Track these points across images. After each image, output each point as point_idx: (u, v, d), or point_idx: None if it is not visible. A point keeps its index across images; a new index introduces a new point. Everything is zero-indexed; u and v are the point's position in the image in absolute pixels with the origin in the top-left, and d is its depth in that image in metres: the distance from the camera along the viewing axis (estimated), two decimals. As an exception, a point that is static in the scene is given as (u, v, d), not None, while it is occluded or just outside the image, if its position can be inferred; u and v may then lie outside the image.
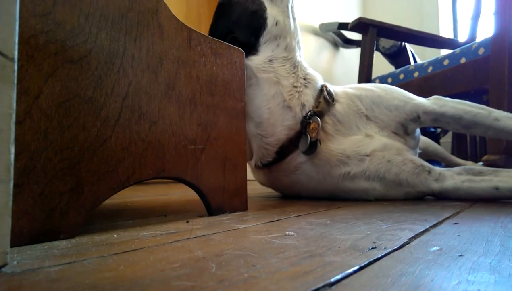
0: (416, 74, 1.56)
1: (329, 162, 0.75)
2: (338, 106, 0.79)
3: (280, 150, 0.77)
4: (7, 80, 0.28)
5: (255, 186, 1.27)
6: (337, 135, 0.76)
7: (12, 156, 0.28)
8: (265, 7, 0.80)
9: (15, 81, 0.29)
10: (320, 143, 0.74)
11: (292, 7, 0.84)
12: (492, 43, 1.23)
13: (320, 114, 0.75)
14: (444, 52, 2.20)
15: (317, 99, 0.78)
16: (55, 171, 0.35)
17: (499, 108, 1.12)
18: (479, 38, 1.91)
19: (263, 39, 0.78)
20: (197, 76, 0.51)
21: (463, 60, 1.36)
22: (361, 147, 0.75)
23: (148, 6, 0.45)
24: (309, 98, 0.77)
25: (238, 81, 0.59)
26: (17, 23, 0.30)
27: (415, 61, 2.15)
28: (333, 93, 0.80)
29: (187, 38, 0.50)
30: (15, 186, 0.32)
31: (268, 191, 1.08)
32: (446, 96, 1.44)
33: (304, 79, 0.80)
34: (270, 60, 0.78)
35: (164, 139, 0.46)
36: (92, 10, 0.39)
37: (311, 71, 0.83)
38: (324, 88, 0.79)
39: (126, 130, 0.42)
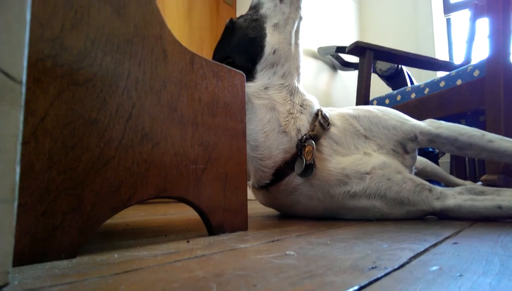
0: (413, 95, 1.58)
1: (328, 182, 0.75)
2: (333, 129, 0.80)
3: (277, 172, 0.77)
4: (15, 103, 0.29)
5: (255, 206, 1.27)
6: (336, 155, 0.77)
7: (18, 176, 0.29)
8: (265, 34, 0.81)
9: (23, 104, 0.30)
10: (315, 166, 0.74)
11: (296, 32, 0.85)
12: (487, 66, 1.25)
13: (316, 138, 0.76)
14: (440, 74, 2.23)
15: (312, 123, 0.79)
16: (58, 190, 0.36)
17: (495, 129, 1.14)
18: (474, 60, 1.95)
19: (259, 66, 0.79)
20: (199, 98, 0.52)
21: (459, 82, 1.39)
22: (360, 165, 0.75)
23: (153, 32, 0.46)
24: (304, 123, 0.78)
25: (239, 103, 0.60)
26: (26, 48, 0.31)
27: (411, 83, 2.18)
28: (329, 117, 0.81)
29: (189, 62, 0.51)
30: (18, 205, 0.32)
31: (268, 210, 1.08)
32: (443, 117, 1.47)
33: (301, 105, 0.81)
34: (266, 88, 0.79)
35: (166, 159, 0.47)
36: (98, 36, 0.40)
37: (308, 97, 0.84)
38: (320, 113, 0.80)
39: (129, 151, 0.42)
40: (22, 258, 0.33)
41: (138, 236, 0.55)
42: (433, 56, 2.56)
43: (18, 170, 0.30)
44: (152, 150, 0.45)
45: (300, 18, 0.86)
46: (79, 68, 0.38)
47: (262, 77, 0.79)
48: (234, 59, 0.80)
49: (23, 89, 0.31)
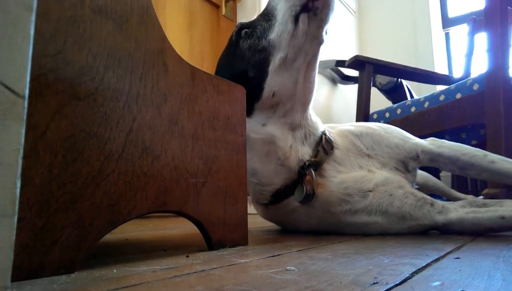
0: (413, 109, 1.59)
1: (329, 202, 0.74)
2: (337, 152, 0.78)
3: (276, 194, 0.76)
4: (17, 117, 0.29)
5: (255, 220, 1.26)
6: (339, 175, 0.75)
7: (18, 190, 0.29)
8: (266, 74, 0.70)
9: (25, 118, 0.30)
10: (315, 194, 0.72)
11: (310, 64, 0.74)
12: (486, 79, 1.26)
13: (319, 164, 0.74)
14: (440, 88, 2.25)
15: (315, 149, 0.76)
16: (57, 204, 0.36)
17: (496, 142, 1.14)
18: (473, 74, 1.96)
19: (256, 105, 0.72)
20: (200, 112, 0.53)
21: (458, 96, 1.39)
22: (364, 183, 0.74)
23: (154, 46, 0.47)
24: (307, 151, 0.75)
25: (239, 116, 0.60)
26: (29, 63, 0.31)
27: (411, 96, 2.20)
28: (333, 140, 0.78)
29: (190, 75, 0.52)
30: (17, 219, 0.32)
31: (268, 225, 1.07)
32: (443, 131, 1.47)
33: (304, 137, 0.75)
34: (263, 125, 0.72)
35: (166, 173, 0.47)
36: (100, 50, 0.41)
37: (313, 123, 0.78)
38: (324, 137, 0.77)
39: (129, 164, 0.42)
40: (20, 273, 0.33)
41: (137, 251, 0.54)
42: (432, 70, 2.58)
43: (19, 184, 0.30)
44: (152, 163, 0.45)
45: (320, 43, 0.72)
46: (80, 83, 0.39)
47: (260, 115, 0.73)
48: None
49: (26, 104, 0.31)
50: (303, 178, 0.72)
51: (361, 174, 0.76)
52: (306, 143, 0.75)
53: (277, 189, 0.75)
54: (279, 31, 0.70)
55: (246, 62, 0.72)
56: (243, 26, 0.76)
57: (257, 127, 0.72)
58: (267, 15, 0.74)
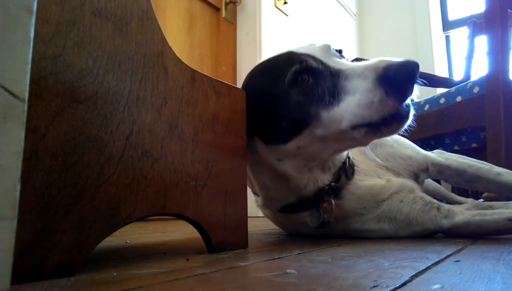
0: (413, 111, 1.59)
1: (344, 217, 0.73)
2: (357, 174, 0.75)
3: (288, 206, 0.74)
4: (17, 120, 0.29)
5: (256, 223, 1.26)
6: (357, 191, 0.74)
7: (18, 193, 0.29)
8: (300, 132, 0.62)
9: (25, 121, 0.30)
10: (331, 220, 0.69)
11: (341, 148, 0.67)
12: (487, 82, 1.26)
13: (339, 189, 0.71)
14: (440, 90, 2.25)
15: (337, 173, 0.71)
16: (58, 207, 0.36)
17: (496, 145, 1.14)
18: (474, 77, 1.97)
19: (277, 146, 0.65)
20: (200, 115, 0.53)
21: (459, 99, 1.39)
22: (381, 195, 0.73)
23: (154, 50, 0.47)
24: (327, 177, 0.70)
25: (239, 119, 0.60)
26: (29, 66, 0.32)
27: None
28: (354, 164, 0.75)
29: (190, 78, 0.52)
30: (17, 222, 0.32)
31: (269, 227, 1.07)
32: (443, 133, 1.46)
33: (322, 169, 0.70)
34: (279, 160, 0.67)
35: (166, 176, 0.47)
36: (100, 53, 0.41)
37: (336, 157, 0.72)
38: (348, 161, 0.73)
39: (129, 167, 0.42)
40: (20, 275, 0.33)
41: (137, 254, 0.54)
42: (432, 73, 2.58)
43: (19, 187, 0.30)
44: (152, 167, 0.45)
45: (363, 146, 0.68)
46: (80, 86, 0.39)
47: (278, 151, 0.66)
48: (252, 122, 0.63)
49: (25, 107, 0.31)
50: (319, 201, 0.69)
51: (380, 185, 0.75)
52: (326, 173, 0.71)
53: (289, 203, 0.73)
54: (332, 119, 0.60)
55: (286, 111, 0.63)
56: (305, 69, 0.63)
57: (272, 159, 0.67)
58: (333, 85, 0.61)
